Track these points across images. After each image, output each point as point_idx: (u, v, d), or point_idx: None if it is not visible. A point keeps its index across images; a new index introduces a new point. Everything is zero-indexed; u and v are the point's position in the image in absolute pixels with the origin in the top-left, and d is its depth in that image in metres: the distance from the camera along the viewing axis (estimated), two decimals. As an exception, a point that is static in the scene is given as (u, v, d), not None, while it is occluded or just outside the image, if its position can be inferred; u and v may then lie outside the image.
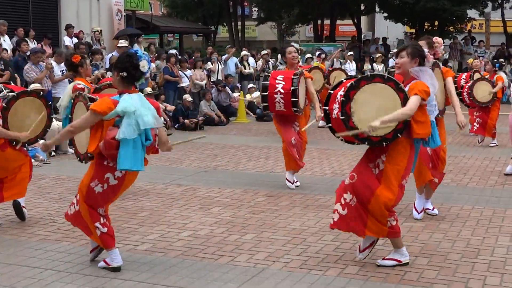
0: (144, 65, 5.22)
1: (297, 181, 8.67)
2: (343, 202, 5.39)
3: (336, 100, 5.32)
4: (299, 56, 9.18)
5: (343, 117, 5.23)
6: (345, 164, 10.30)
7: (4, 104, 6.59)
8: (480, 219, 6.97)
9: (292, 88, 8.26)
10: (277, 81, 8.37)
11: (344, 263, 5.53)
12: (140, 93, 5.33)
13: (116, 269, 5.31)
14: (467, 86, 12.67)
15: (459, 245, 6.04)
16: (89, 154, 5.70)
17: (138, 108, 5.08)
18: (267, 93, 8.42)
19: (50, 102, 7.02)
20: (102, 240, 5.32)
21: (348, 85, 5.29)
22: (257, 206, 7.62)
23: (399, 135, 5.20)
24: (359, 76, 5.43)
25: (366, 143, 5.27)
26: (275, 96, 8.33)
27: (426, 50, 6.70)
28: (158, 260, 5.63)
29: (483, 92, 12.52)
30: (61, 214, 7.21)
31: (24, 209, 6.97)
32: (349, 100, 5.21)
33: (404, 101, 5.17)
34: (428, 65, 5.70)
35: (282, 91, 8.29)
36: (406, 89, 5.22)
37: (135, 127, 5.04)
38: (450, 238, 6.27)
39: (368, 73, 5.46)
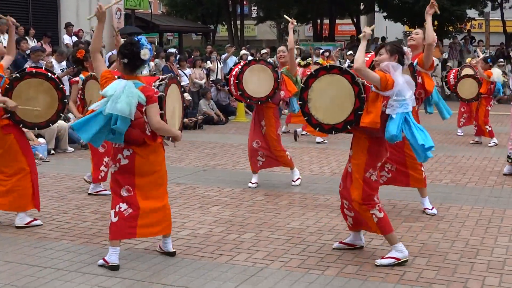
0: (145, 53, 5.25)
1: (297, 180, 8.72)
2: (346, 206, 5.76)
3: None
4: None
5: (300, 103, 5.67)
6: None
7: (7, 85, 6.45)
8: (479, 219, 6.97)
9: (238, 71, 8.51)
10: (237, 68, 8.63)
11: (343, 263, 5.54)
12: (135, 81, 5.29)
13: (115, 268, 5.34)
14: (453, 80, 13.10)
15: (458, 245, 6.05)
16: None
17: (117, 94, 5.14)
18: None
19: (62, 85, 6.67)
20: (110, 231, 5.40)
21: (308, 73, 5.88)
22: (256, 205, 7.62)
23: (348, 126, 5.50)
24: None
25: (318, 129, 5.68)
26: (230, 79, 8.62)
27: (420, 35, 6.86)
28: (157, 259, 5.63)
29: (467, 88, 12.78)
30: (60, 213, 7.22)
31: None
32: (307, 87, 5.64)
33: (359, 94, 5.41)
34: (408, 62, 5.74)
35: (234, 73, 8.55)
36: None
37: (104, 106, 5.17)
38: (449, 238, 6.28)
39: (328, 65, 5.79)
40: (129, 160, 5.36)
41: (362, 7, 34.06)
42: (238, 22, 35.09)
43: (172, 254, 5.70)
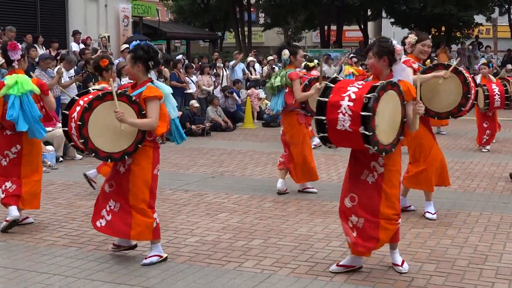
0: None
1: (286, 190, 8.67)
2: (350, 225, 5.29)
3: (341, 110, 4.91)
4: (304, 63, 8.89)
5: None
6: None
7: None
8: (488, 225, 6.95)
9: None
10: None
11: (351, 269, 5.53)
12: None
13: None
14: None
15: (466, 251, 6.03)
16: (138, 145, 5.56)
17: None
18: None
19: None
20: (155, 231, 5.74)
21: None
22: (264, 212, 7.63)
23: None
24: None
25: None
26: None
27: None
28: (165, 266, 5.64)
29: (480, 100, 12.45)
30: (69, 220, 7.25)
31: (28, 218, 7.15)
32: (374, 114, 4.85)
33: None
34: (400, 59, 5.33)
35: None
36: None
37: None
38: (458, 244, 6.26)
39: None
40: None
41: (369, 13, 34.08)
42: (246, 28, 35.16)
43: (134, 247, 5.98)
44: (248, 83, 19.59)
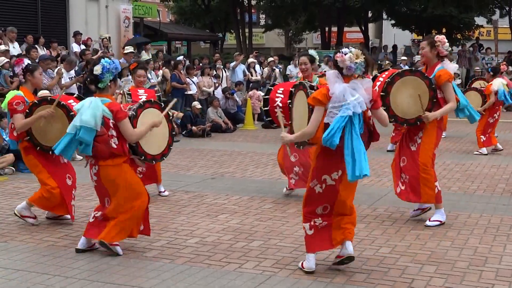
0: (97, 69, 5.82)
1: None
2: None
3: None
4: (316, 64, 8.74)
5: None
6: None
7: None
8: (488, 227, 6.95)
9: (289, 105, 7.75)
10: (277, 94, 7.99)
11: (352, 271, 5.53)
12: (102, 98, 5.88)
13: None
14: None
15: (466, 253, 6.03)
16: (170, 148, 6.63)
17: (84, 108, 5.77)
18: (268, 107, 8.03)
19: (72, 113, 6.71)
20: None
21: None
22: (264, 213, 7.63)
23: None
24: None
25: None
26: (275, 110, 7.73)
27: (427, 49, 6.88)
28: (166, 267, 5.64)
29: (474, 100, 12.34)
30: (69, 221, 7.24)
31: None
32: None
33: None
34: (347, 67, 5.29)
35: (280, 105, 7.84)
36: None
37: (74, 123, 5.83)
38: (458, 246, 6.26)
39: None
40: (97, 177, 5.97)
41: (370, 14, 34.09)
42: (246, 30, 35.17)
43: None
44: (251, 84, 19.61)
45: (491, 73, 12.79)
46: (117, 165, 5.87)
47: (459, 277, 5.38)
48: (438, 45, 6.93)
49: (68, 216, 7.13)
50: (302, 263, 5.58)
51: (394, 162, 7.19)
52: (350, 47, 5.42)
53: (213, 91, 17.60)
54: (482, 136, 12.31)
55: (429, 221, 7.01)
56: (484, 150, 12.23)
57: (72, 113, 6.74)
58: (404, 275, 5.41)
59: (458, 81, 23.01)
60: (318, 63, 11.23)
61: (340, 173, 5.36)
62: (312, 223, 5.52)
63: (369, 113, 5.42)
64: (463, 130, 14.89)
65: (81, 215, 7.52)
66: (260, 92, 19.16)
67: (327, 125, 5.22)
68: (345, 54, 5.29)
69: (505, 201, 8.21)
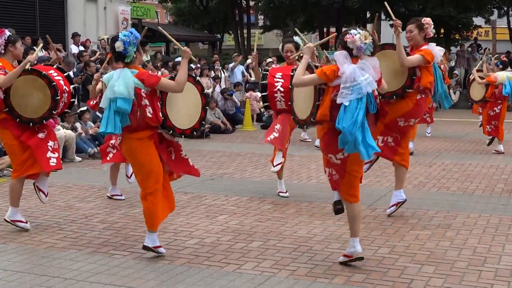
0: (118, 46, 5.70)
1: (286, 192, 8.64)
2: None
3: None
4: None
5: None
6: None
7: None
8: (487, 227, 6.96)
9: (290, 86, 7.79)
10: (275, 79, 8.03)
11: (351, 271, 5.53)
12: (132, 69, 5.73)
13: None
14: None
15: (465, 253, 6.04)
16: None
17: (114, 79, 5.63)
18: (267, 92, 8.10)
19: (54, 83, 6.70)
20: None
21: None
22: (263, 214, 7.63)
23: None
24: None
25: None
26: (275, 95, 8.02)
27: (416, 32, 6.95)
28: (165, 268, 5.64)
29: (478, 91, 12.67)
30: (68, 222, 7.25)
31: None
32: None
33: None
34: (357, 47, 5.41)
35: (281, 89, 7.95)
36: None
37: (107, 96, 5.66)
38: (457, 246, 6.26)
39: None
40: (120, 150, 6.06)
41: (368, 15, 34.09)
42: (245, 31, 35.17)
43: None
44: (247, 85, 19.60)
45: (501, 66, 12.76)
46: (139, 139, 5.79)
47: (458, 277, 5.38)
48: (427, 28, 7.06)
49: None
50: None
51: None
52: (357, 28, 5.49)
53: (212, 92, 17.60)
54: (487, 126, 12.47)
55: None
56: (500, 147, 12.37)
57: (54, 83, 6.71)
58: (403, 276, 5.42)
59: (454, 83, 23.06)
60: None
61: (346, 154, 5.51)
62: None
63: (376, 91, 5.52)
64: (461, 130, 14.90)
65: (81, 216, 7.52)
66: (257, 93, 19.16)
67: (339, 105, 5.32)
68: (355, 35, 5.37)
69: (504, 201, 8.21)
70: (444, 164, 10.91)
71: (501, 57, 14.49)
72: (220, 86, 18.34)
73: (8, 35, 6.85)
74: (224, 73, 19.32)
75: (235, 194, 8.74)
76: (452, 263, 5.74)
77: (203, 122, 6.22)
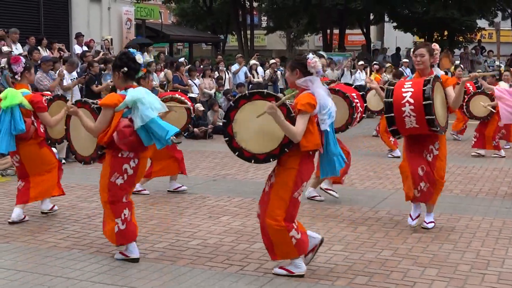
0: (139, 58, 5.77)
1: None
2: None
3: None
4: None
5: (226, 139, 5.39)
6: (354, 174, 10.26)
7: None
8: (490, 230, 6.94)
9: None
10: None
11: (353, 274, 5.53)
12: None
13: (135, 260, 5.79)
14: (466, 99, 12.42)
15: (468, 256, 6.02)
16: (98, 152, 5.96)
17: (144, 98, 5.59)
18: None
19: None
20: (118, 237, 5.78)
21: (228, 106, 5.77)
22: (266, 215, 7.61)
23: (286, 149, 5.21)
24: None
25: (253, 161, 5.37)
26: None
27: (427, 57, 6.69)
28: (167, 269, 5.64)
29: (479, 106, 12.17)
30: (71, 222, 7.26)
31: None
32: (230, 121, 5.32)
33: (288, 113, 5.15)
34: (317, 71, 5.30)
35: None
36: None
37: (141, 118, 5.57)
38: (460, 249, 6.25)
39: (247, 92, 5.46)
40: (134, 171, 5.78)
41: (372, 17, 34.10)
42: (248, 32, 35.20)
43: None
44: (250, 86, 19.61)
45: (497, 76, 12.67)
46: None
47: (462, 280, 5.37)
48: (436, 54, 6.89)
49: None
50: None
51: (409, 167, 6.77)
52: (305, 53, 5.52)
53: (215, 93, 17.61)
54: (494, 142, 12.19)
55: (426, 223, 7.00)
56: (502, 152, 12.26)
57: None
58: (406, 278, 5.41)
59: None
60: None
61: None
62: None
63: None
64: (465, 133, 14.88)
65: (84, 216, 7.53)
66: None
67: (323, 132, 5.30)
68: (313, 59, 5.29)
69: (507, 204, 8.20)
70: (448, 166, 10.83)
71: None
72: (224, 88, 18.35)
73: (24, 62, 7.22)
74: (228, 74, 19.32)
75: (238, 195, 8.73)
76: (455, 266, 5.73)
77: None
